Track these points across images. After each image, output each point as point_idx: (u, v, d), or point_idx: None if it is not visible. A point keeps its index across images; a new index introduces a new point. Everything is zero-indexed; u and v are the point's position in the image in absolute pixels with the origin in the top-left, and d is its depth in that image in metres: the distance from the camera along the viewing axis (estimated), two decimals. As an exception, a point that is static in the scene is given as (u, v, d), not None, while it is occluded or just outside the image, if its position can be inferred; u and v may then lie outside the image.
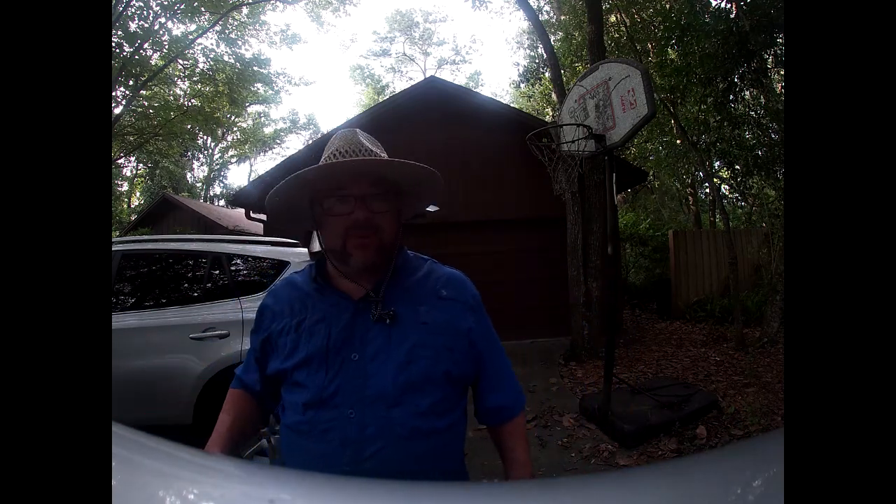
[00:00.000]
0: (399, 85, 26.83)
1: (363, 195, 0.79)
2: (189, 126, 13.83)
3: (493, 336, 0.91)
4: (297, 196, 0.84)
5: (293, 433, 0.80)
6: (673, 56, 6.44)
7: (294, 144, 27.57)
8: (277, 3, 12.89)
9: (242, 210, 7.52)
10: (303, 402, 0.78)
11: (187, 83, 13.34)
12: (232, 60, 12.88)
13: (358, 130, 0.86)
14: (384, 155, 0.85)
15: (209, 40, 12.38)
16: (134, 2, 10.04)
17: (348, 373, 0.77)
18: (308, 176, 0.78)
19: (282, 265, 3.08)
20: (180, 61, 12.12)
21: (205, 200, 23.29)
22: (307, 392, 0.78)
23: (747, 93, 6.27)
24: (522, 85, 12.65)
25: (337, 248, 0.81)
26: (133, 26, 10.24)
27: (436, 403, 0.78)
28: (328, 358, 0.78)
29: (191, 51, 12.05)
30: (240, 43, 12.84)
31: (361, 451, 0.74)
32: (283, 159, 7.41)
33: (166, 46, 11.35)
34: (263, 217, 7.08)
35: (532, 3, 9.15)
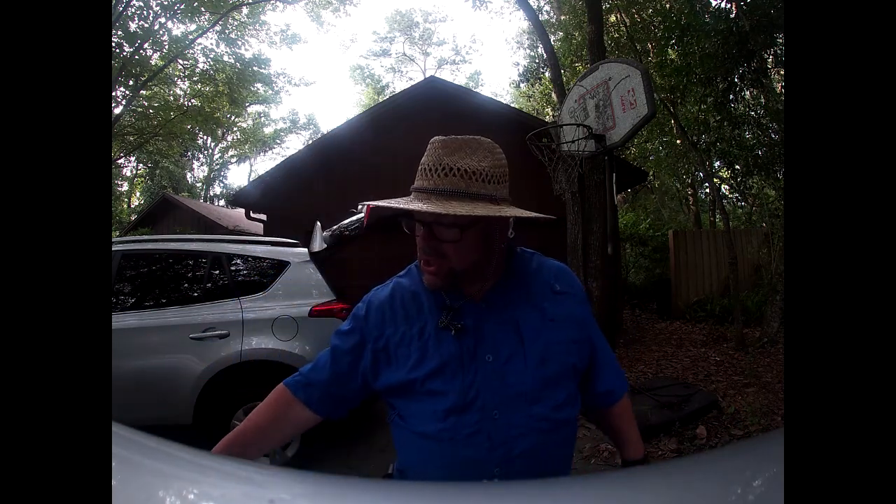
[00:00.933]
0: (399, 85, 26.84)
1: (430, 222, 0.77)
2: (189, 126, 13.84)
3: (595, 323, 0.92)
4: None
5: (433, 441, 0.77)
6: (673, 56, 6.44)
7: (294, 144, 27.59)
8: (277, 3, 12.90)
9: (242, 210, 7.52)
10: (444, 408, 0.76)
11: (187, 83, 13.35)
12: (232, 60, 12.89)
13: (449, 139, 0.79)
14: (481, 167, 0.77)
15: (209, 40, 12.40)
16: (134, 2, 10.05)
17: (486, 375, 0.77)
18: (374, 212, 0.81)
19: (282, 265, 3.08)
20: (180, 61, 12.13)
21: (205, 200, 23.29)
22: (448, 398, 0.76)
23: (747, 93, 6.27)
24: (522, 85, 12.65)
25: (423, 267, 0.81)
26: (133, 26, 10.25)
27: (569, 395, 0.81)
28: (464, 362, 0.78)
29: (191, 51, 12.06)
30: (240, 43, 12.85)
31: (511, 450, 0.75)
32: (283, 159, 7.41)
33: (166, 46, 11.36)
34: (263, 217, 7.09)
35: (532, 3, 9.15)
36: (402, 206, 0.75)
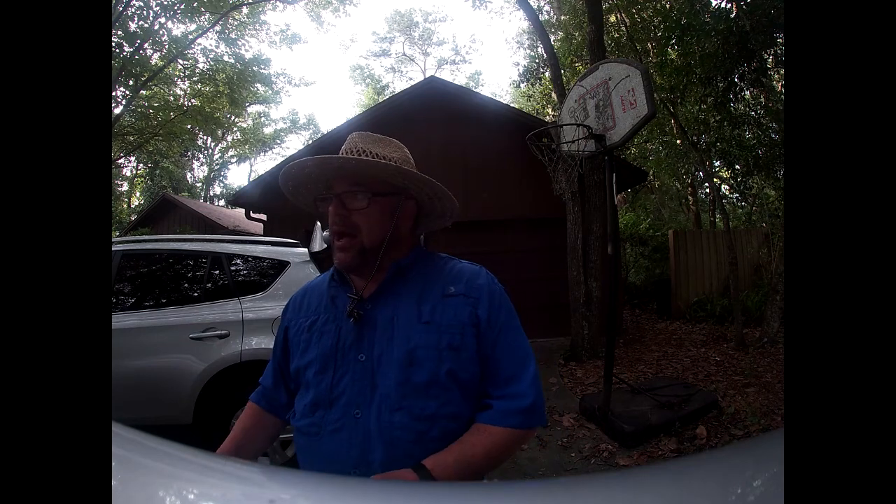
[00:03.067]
0: (399, 85, 26.83)
1: (340, 193, 0.78)
2: (189, 126, 13.83)
3: (511, 333, 0.80)
4: (306, 195, 0.87)
5: (303, 435, 0.78)
6: (673, 56, 6.44)
7: (294, 144, 27.59)
8: (277, 3, 12.90)
9: (242, 210, 7.52)
10: (311, 401, 0.77)
11: (187, 83, 13.34)
12: (232, 60, 12.88)
13: (365, 133, 0.84)
14: (395, 155, 0.82)
15: (209, 40, 12.39)
16: (134, 2, 10.04)
17: (356, 373, 0.76)
18: (286, 174, 0.82)
19: (282, 265, 3.08)
20: (180, 61, 12.12)
21: (205, 200, 23.28)
22: (315, 392, 0.77)
23: (747, 93, 6.27)
24: (522, 85, 12.63)
25: (332, 248, 0.81)
26: (133, 26, 10.24)
27: (444, 407, 0.74)
28: (336, 358, 0.77)
29: (191, 51, 12.05)
30: (240, 43, 12.84)
31: (367, 453, 0.72)
32: (283, 159, 7.41)
33: (166, 46, 11.35)
34: (263, 217, 7.08)
35: (532, 3, 9.15)
36: (315, 159, 0.77)
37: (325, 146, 6.91)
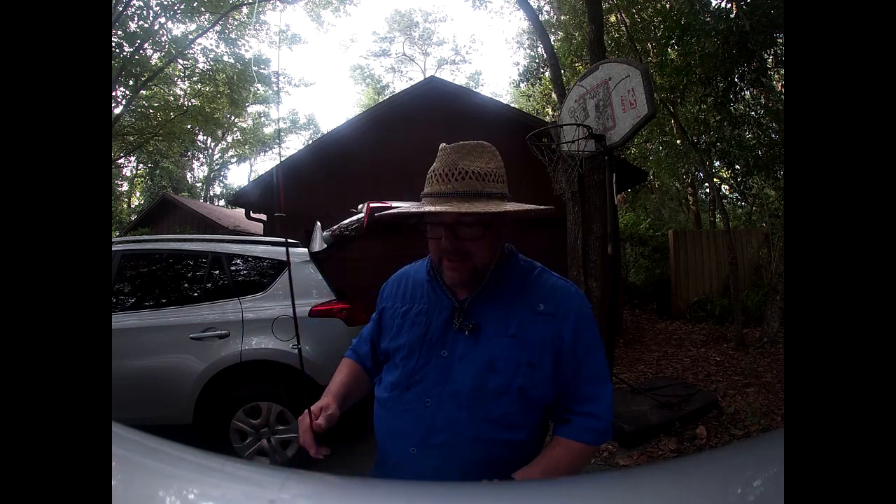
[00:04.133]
0: (399, 85, 26.82)
1: (452, 223, 0.81)
2: (189, 126, 13.83)
3: (593, 355, 0.85)
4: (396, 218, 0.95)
5: (380, 406, 0.90)
6: (673, 56, 6.44)
7: (294, 144, 27.61)
8: (277, 3, 12.89)
9: (242, 210, 7.52)
10: (393, 381, 0.87)
11: (187, 83, 13.34)
12: (232, 60, 12.88)
13: (460, 145, 0.83)
14: (490, 168, 0.83)
15: (209, 40, 12.38)
16: (134, 2, 10.04)
17: (435, 367, 0.84)
18: (395, 215, 0.90)
19: (282, 265, 3.08)
20: (180, 61, 12.11)
21: (205, 200, 23.27)
22: (398, 373, 0.87)
23: (747, 93, 6.26)
24: (522, 85, 12.63)
25: (436, 262, 0.88)
26: (133, 26, 10.23)
27: (506, 416, 0.79)
28: (422, 349, 0.86)
29: (191, 51, 12.04)
30: (240, 43, 12.84)
31: (429, 438, 0.80)
32: (283, 159, 7.41)
33: (166, 46, 11.34)
34: (263, 217, 7.08)
35: (532, 3, 9.15)
36: (426, 209, 0.79)
37: (326, 145, 6.91)
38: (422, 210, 0.79)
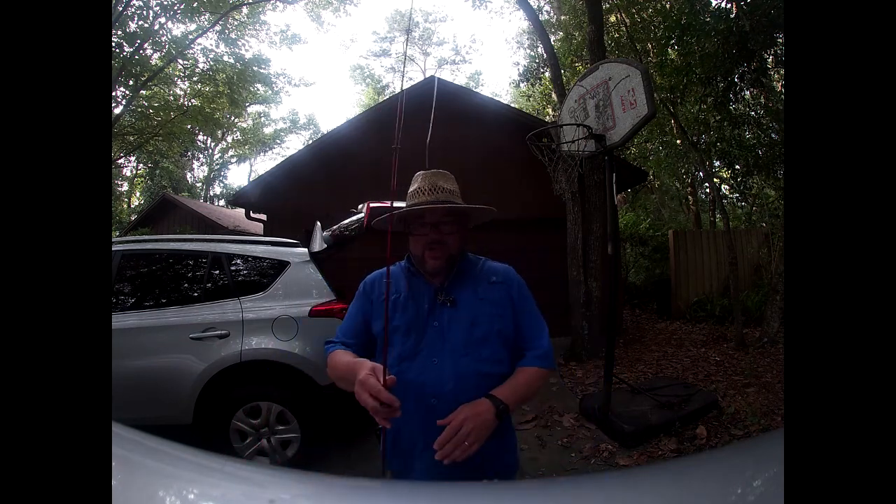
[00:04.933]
0: (399, 85, 26.78)
1: (436, 222, 1.14)
2: (189, 126, 13.82)
3: (531, 307, 1.20)
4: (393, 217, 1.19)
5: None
6: (673, 56, 6.44)
7: (294, 144, 27.54)
8: (277, 3, 12.89)
9: (242, 210, 7.52)
10: (398, 356, 1.09)
11: (187, 83, 13.33)
12: (232, 60, 12.87)
13: (434, 172, 1.21)
14: (455, 188, 1.21)
15: (209, 40, 12.37)
16: (134, 2, 10.04)
17: (432, 335, 1.11)
18: (404, 214, 1.16)
19: (282, 265, 3.08)
20: (180, 61, 12.11)
21: (205, 200, 23.26)
22: (401, 348, 1.09)
23: (747, 93, 6.26)
24: (522, 85, 12.64)
25: (418, 255, 1.15)
26: (133, 26, 10.23)
27: (492, 353, 1.10)
28: (417, 325, 1.12)
29: (191, 51, 12.04)
30: (240, 43, 12.83)
31: (442, 386, 1.05)
32: (283, 159, 7.41)
33: (166, 46, 11.34)
34: (263, 217, 7.08)
35: (532, 3, 9.15)
36: (424, 207, 1.12)
37: (326, 145, 6.91)
38: (419, 208, 1.12)
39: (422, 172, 1.20)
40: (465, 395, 1.02)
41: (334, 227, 3.14)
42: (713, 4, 6.12)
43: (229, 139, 24.34)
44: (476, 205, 1.19)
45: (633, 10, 9.18)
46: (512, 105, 12.97)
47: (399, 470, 1.07)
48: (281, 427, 2.89)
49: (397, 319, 1.13)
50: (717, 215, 10.59)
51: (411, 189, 1.20)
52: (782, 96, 6.69)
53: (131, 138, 13.00)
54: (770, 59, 5.77)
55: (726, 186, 10.51)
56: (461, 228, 1.19)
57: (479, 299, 1.14)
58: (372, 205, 2.94)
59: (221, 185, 26.41)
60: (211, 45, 12.47)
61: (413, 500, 0.37)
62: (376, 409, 0.88)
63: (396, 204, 1.17)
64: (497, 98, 15.56)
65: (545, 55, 7.52)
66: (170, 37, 11.42)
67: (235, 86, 13.23)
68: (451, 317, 1.11)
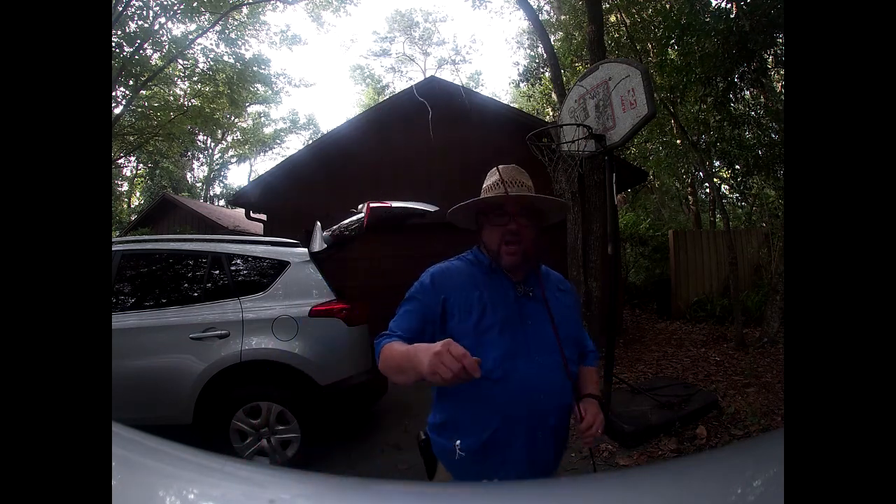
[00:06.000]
0: (399, 85, 26.81)
1: (515, 213, 1.11)
2: (189, 126, 13.82)
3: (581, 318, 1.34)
4: (472, 208, 1.18)
5: (488, 381, 1.02)
6: (673, 56, 6.44)
7: (294, 144, 27.52)
8: (277, 3, 12.89)
9: (242, 210, 7.52)
10: (498, 355, 1.05)
11: (187, 83, 13.32)
12: (232, 60, 12.87)
13: (513, 167, 1.19)
14: (531, 185, 1.20)
15: (209, 40, 12.36)
16: (134, 1, 10.04)
17: (527, 333, 1.10)
18: (491, 201, 1.13)
19: (282, 265, 3.08)
20: (180, 61, 12.11)
21: (205, 200, 23.25)
22: (501, 348, 1.06)
23: (747, 93, 6.26)
24: (522, 85, 12.64)
25: (494, 249, 1.12)
26: (133, 26, 10.23)
27: (572, 354, 1.14)
28: (512, 323, 1.09)
29: (191, 51, 12.03)
30: (240, 43, 12.82)
31: (553, 385, 1.07)
32: (283, 159, 7.41)
33: (166, 46, 11.34)
34: (263, 217, 7.08)
35: (532, 3, 9.15)
36: (511, 194, 1.10)
37: (326, 145, 6.91)
38: (504, 195, 1.09)
39: (500, 167, 1.17)
40: (566, 392, 1.09)
41: (334, 227, 3.14)
42: (713, 4, 6.12)
43: (229, 139, 24.33)
44: (552, 197, 1.20)
45: (633, 10, 9.18)
46: (512, 105, 12.97)
47: (476, 469, 0.99)
48: (281, 427, 2.89)
49: (489, 317, 1.09)
50: (717, 215, 10.59)
51: (487, 183, 1.19)
52: (782, 96, 6.69)
53: (131, 138, 12.99)
54: (770, 59, 5.76)
55: (726, 186, 10.51)
56: (537, 227, 1.19)
57: (564, 306, 1.19)
58: (372, 205, 2.94)
59: (221, 185, 26.42)
60: (211, 45, 12.47)
61: (413, 501, 0.37)
62: (460, 373, 0.83)
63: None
64: (497, 98, 15.57)
65: (545, 55, 7.52)
66: (170, 37, 11.42)
67: (235, 86, 13.23)
68: (541, 316, 1.09)
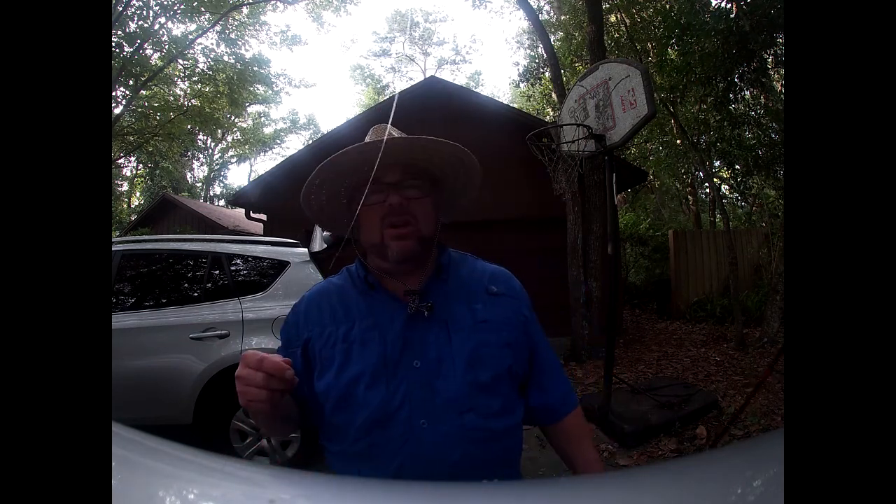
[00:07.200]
0: (399, 85, 26.83)
1: (396, 182, 0.76)
2: (189, 126, 13.83)
3: (541, 331, 0.86)
4: (333, 193, 0.82)
5: (353, 459, 0.73)
6: (673, 56, 6.44)
7: (294, 144, 27.57)
8: (277, 3, 12.89)
9: (242, 210, 7.52)
10: (366, 421, 0.71)
11: (187, 83, 13.33)
12: (232, 60, 12.87)
13: (389, 125, 0.79)
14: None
15: (209, 40, 12.38)
16: (134, 1, 10.04)
17: (413, 382, 0.72)
18: (336, 160, 0.75)
19: (282, 265, 3.08)
20: (180, 61, 12.11)
21: (205, 200, 23.27)
22: (367, 409, 0.71)
23: (747, 93, 6.26)
24: (522, 85, 12.64)
25: (376, 241, 0.77)
26: (133, 26, 10.24)
27: (506, 403, 0.76)
28: (387, 368, 0.72)
29: (191, 51, 12.04)
30: (240, 43, 12.83)
31: (441, 463, 0.69)
32: (283, 159, 7.41)
33: (166, 46, 11.34)
34: (263, 217, 7.09)
35: (532, 3, 9.15)
36: (375, 139, 0.74)
37: (326, 146, 6.91)
38: (373, 140, 0.74)
39: (377, 125, 0.81)
40: (474, 469, 0.71)
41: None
42: (713, 4, 6.13)
43: (229, 139, 24.34)
44: (438, 139, 0.77)
45: (633, 10, 9.18)
46: (512, 105, 12.97)
47: None
48: (281, 427, 2.89)
49: (355, 364, 0.73)
50: (717, 215, 10.59)
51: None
52: (782, 96, 6.69)
53: (131, 138, 13.01)
54: (770, 59, 5.77)
55: (726, 186, 10.51)
56: (433, 199, 0.80)
57: (480, 322, 0.77)
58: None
59: (221, 185, 26.44)
60: (211, 45, 12.49)
61: (413, 501, 0.37)
62: (266, 385, 0.63)
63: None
64: (497, 98, 15.58)
65: (545, 55, 7.52)
66: (170, 37, 11.43)
67: (235, 86, 13.23)
68: (438, 350, 0.74)
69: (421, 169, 0.79)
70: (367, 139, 0.80)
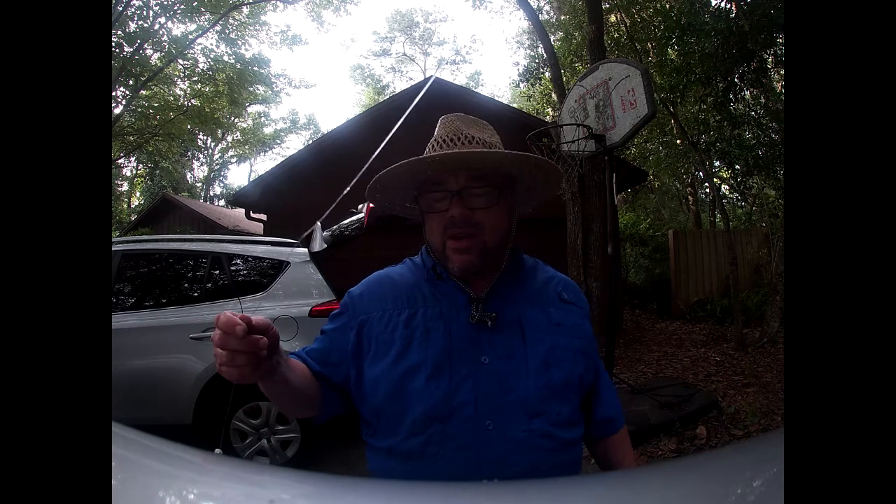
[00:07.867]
0: (399, 85, 26.85)
1: (460, 189, 0.69)
2: (189, 126, 13.82)
3: (597, 347, 0.84)
4: (400, 191, 0.78)
5: (402, 458, 0.67)
6: (673, 56, 6.44)
7: (294, 144, 27.56)
8: (278, 3, 12.89)
9: (242, 210, 7.53)
10: (422, 415, 0.66)
11: (187, 83, 13.33)
12: (232, 60, 12.87)
13: (461, 115, 0.77)
14: (494, 140, 0.76)
15: (209, 40, 12.38)
16: (134, 1, 10.04)
17: (480, 379, 0.67)
18: (389, 174, 0.71)
19: (282, 265, 3.08)
20: (180, 61, 12.11)
21: (205, 200, 23.27)
22: (428, 401, 0.66)
23: (747, 93, 6.26)
24: (522, 85, 12.63)
25: (437, 247, 0.73)
26: (133, 26, 10.24)
27: (574, 411, 0.71)
28: (452, 361, 0.67)
29: (191, 51, 12.04)
30: (240, 43, 12.83)
31: (503, 469, 0.64)
32: (283, 159, 7.41)
33: (166, 46, 11.34)
34: (263, 217, 7.09)
35: (532, 3, 9.15)
36: (432, 155, 0.70)
37: (326, 145, 6.91)
38: (430, 156, 0.70)
39: (447, 116, 0.78)
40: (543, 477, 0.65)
41: (334, 227, 3.14)
42: (713, 4, 6.13)
43: (229, 139, 24.34)
44: (521, 153, 0.70)
45: (633, 10, 9.17)
46: (512, 105, 12.97)
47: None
48: (281, 427, 2.89)
49: (415, 354, 0.69)
50: (717, 215, 10.59)
51: (428, 145, 0.77)
52: (782, 96, 6.69)
53: (131, 138, 13.01)
54: (770, 59, 5.77)
55: (726, 186, 10.51)
56: (505, 204, 0.73)
57: (556, 324, 0.73)
58: (372, 205, 2.94)
59: (221, 185, 26.45)
60: (211, 45, 12.48)
61: (413, 501, 0.37)
62: (246, 348, 0.54)
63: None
64: (497, 98, 15.58)
65: (545, 55, 7.52)
66: (170, 37, 11.43)
67: (235, 86, 13.23)
68: (510, 348, 0.69)
69: (491, 170, 0.72)
70: (436, 132, 0.77)
